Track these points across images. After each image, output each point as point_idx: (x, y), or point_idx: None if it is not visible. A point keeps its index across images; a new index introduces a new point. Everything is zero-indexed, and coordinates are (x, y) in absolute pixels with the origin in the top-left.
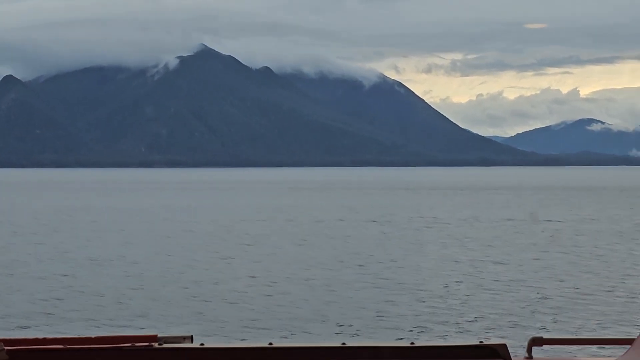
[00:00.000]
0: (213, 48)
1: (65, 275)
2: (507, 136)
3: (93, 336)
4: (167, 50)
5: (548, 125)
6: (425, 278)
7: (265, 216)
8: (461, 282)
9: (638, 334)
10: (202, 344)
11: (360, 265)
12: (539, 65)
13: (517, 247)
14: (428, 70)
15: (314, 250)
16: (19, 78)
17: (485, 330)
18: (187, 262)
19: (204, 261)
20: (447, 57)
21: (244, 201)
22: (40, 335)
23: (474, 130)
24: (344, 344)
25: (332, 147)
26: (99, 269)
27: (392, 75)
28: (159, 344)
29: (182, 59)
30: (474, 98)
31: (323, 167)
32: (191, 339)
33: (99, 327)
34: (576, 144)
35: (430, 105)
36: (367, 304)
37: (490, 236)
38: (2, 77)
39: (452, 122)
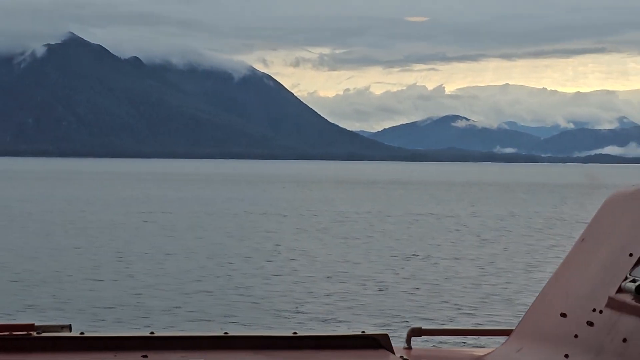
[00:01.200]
0: (81, 37)
1: None
2: (374, 131)
3: None
4: (35, 38)
5: (414, 121)
6: (315, 270)
7: (148, 208)
8: (349, 273)
9: (516, 324)
10: (82, 333)
11: (248, 257)
12: (405, 61)
13: (411, 240)
14: (296, 64)
15: (212, 243)
16: None
17: (368, 321)
18: (67, 254)
19: (88, 253)
20: (315, 51)
21: (119, 192)
22: None
23: (341, 125)
24: (226, 333)
25: (201, 139)
26: None
27: (260, 68)
28: (37, 333)
29: (49, 47)
30: (341, 93)
31: (192, 158)
32: (69, 327)
33: None
34: (442, 140)
35: (299, 99)
36: (252, 295)
37: (393, 230)
38: None
39: (320, 116)
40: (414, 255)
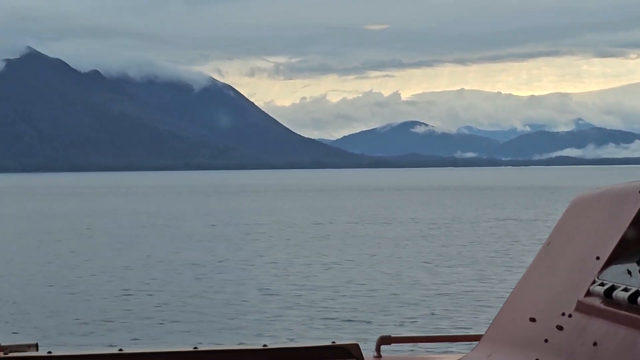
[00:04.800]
0: (39, 51)
1: None
2: (334, 139)
3: None
4: None
5: (373, 128)
6: (280, 281)
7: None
8: (316, 284)
9: (485, 330)
10: (49, 352)
11: (213, 270)
12: (360, 68)
13: (371, 248)
14: (251, 73)
15: (180, 255)
16: None
17: (338, 331)
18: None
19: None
20: (271, 60)
21: (81, 206)
22: None
23: (301, 133)
24: (195, 348)
25: (164, 151)
26: None
27: (216, 78)
28: (5, 354)
29: (8, 62)
30: (297, 101)
31: (156, 170)
32: (36, 346)
33: None
34: (402, 146)
35: (260, 109)
36: (218, 309)
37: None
38: None
39: (282, 125)
40: (352, 263)
